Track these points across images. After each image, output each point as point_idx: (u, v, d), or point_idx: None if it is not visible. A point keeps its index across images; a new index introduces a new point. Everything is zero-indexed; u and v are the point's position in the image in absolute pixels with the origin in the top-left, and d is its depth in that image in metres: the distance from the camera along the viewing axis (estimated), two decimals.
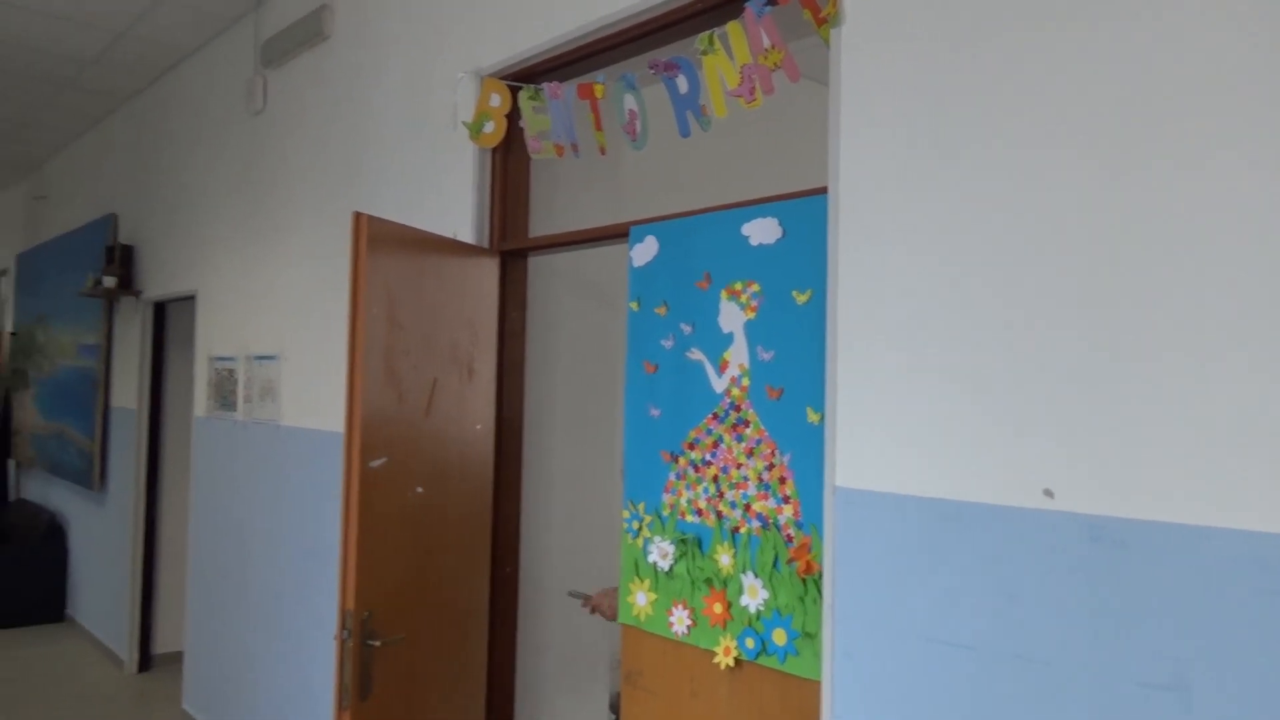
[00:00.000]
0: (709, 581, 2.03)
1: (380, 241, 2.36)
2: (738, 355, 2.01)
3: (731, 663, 1.97)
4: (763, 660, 1.92)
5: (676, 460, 2.11)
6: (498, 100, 2.63)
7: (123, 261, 5.29)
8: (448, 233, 2.76)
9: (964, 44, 1.64)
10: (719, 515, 2.02)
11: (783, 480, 1.91)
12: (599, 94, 2.38)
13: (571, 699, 3.09)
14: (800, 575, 1.86)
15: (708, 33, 2.03)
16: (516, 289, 2.87)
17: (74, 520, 6.30)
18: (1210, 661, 1.30)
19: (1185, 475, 1.34)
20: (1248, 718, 1.27)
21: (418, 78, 3.09)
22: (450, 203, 2.86)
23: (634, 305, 2.24)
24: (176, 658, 5.01)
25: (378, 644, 2.27)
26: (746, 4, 1.94)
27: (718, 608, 2.00)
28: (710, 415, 2.05)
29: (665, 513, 2.13)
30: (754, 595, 1.94)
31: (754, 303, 1.99)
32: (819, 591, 1.82)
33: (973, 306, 1.60)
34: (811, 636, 1.84)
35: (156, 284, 5.11)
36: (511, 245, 2.79)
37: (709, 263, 2.08)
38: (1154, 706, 1.35)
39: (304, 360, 3.62)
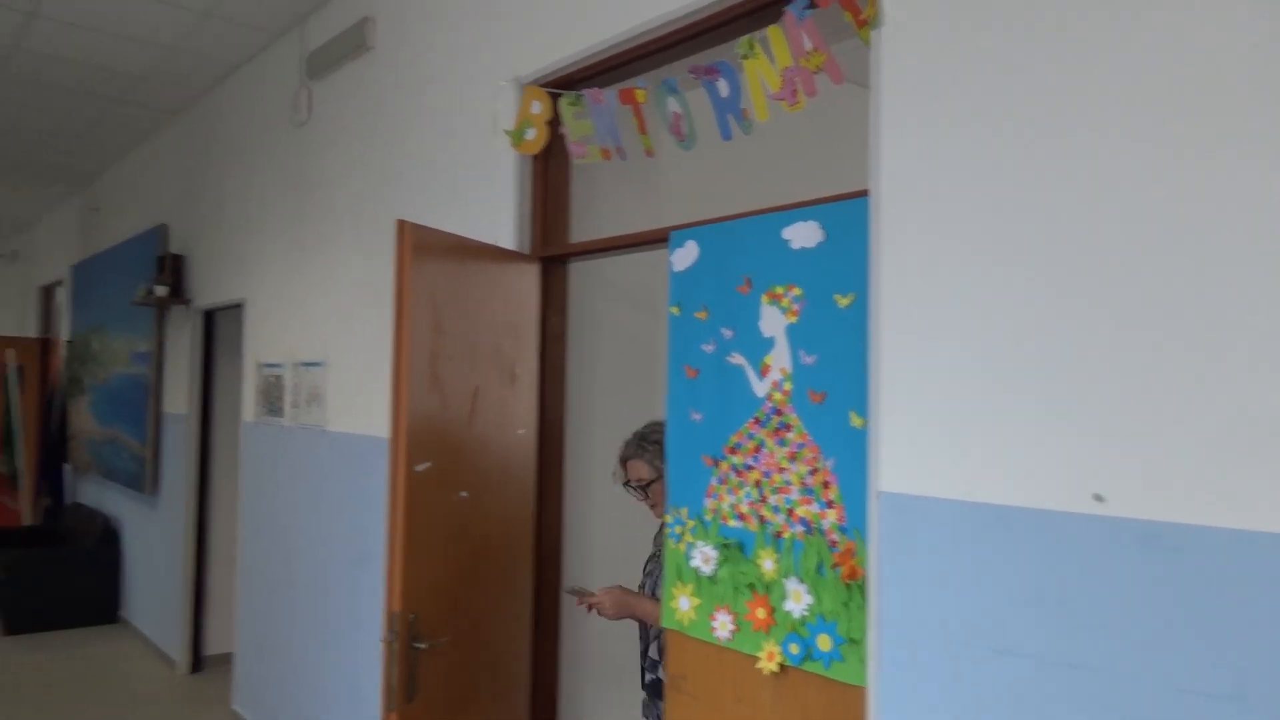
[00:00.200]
0: (751, 586, 2.02)
1: (424, 249, 2.39)
2: (779, 359, 2.00)
3: (776, 668, 1.96)
4: (807, 666, 1.91)
5: (718, 465, 2.11)
6: (539, 107, 2.65)
7: (173, 271, 5.42)
8: (489, 239, 2.79)
9: (1003, 44, 1.62)
10: (761, 520, 2.01)
11: (826, 485, 1.90)
12: (641, 99, 2.39)
13: (615, 703, 3.09)
14: (845, 580, 1.85)
15: (747, 37, 2.03)
16: (557, 294, 2.89)
17: (127, 523, 6.45)
18: (1271, 672, 1.27)
19: (1242, 479, 1.31)
20: None
21: (458, 87, 3.13)
22: (491, 210, 2.89)
23: (675, 310, 2.24)
24: (227, 659, 5.10)
25: (424, 647, 2.29)
26: (787, 8, 1.94)
27: (761, 613, 2.00)
28: (752, 419, 2.05)
29: (708, 517, 2.13)
30: (798, 600, 1.93)
31: (795, 306, 1.98)
32: (864, 597, 1.81)
33: (1016, 309, 1.57)
34: (857, 642, 1.82)
35: (206, 292, 5.22)
36: (552, 251, 2.81)
37: (750, 267, 2.07)
38: (1213, 718, 1.32)
39: (349, 366, 3.68)
